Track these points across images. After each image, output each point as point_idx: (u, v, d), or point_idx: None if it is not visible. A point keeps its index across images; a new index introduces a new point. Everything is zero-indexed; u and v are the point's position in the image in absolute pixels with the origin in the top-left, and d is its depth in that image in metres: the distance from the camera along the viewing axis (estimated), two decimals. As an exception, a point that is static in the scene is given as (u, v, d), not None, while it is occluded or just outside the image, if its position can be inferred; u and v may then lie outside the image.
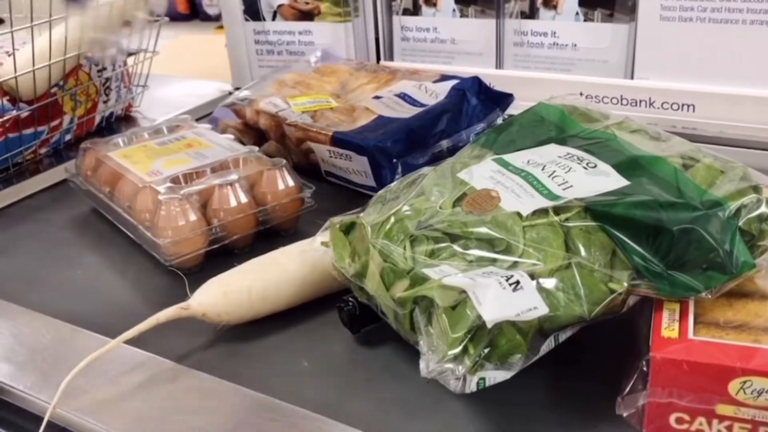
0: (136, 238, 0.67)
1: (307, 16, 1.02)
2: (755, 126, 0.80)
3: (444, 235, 0.47)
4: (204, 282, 0.56)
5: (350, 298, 0.53)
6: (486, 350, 0.41)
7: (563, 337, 0.44)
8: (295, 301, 0.56)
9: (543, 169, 0.49)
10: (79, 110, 0.96)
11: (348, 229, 0.54)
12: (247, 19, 1.05)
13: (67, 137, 0.96)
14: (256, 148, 0.73)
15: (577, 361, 0.49)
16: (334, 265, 0.53)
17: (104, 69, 0.98)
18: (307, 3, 1.01)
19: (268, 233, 0.68)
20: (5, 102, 0.84)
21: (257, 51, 1.06)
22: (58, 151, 0.95)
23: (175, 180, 0.66)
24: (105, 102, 1.01)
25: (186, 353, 0.54)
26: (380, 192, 0.56)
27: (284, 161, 0.68)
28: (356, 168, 0.73)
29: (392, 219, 0.50)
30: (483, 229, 0.46)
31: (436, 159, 0.74)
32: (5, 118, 0.84)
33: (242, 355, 0.53)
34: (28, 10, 0.79)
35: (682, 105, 0.82)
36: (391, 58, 1.02)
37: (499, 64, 0.94)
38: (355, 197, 0.75)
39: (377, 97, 0.79)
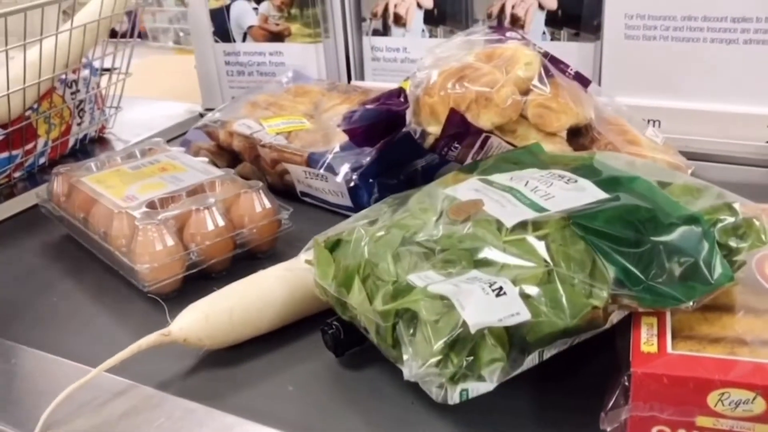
0: (112, 264, 0.66)
1: (278, 37, 1.02)
2: (719, 141, 0.82)
3: (427, 251, 0.48)
4: (183, 307, 0.56)
5: (334, 321, 0.53)
6: (468, 359, 0.42)
7: (548, 354, 0.45)
8: (277, 323, 0.56)
9: (526, 185, 0.50)
10: (53, 133, 0.95)
11: (332, 246, 0.54)
12: (216, 41, 1.05)
13: (42, 160, 0.95)
14: (232, 171, 0.73)
15: (562, 377, 0.50)
16: (317, 283, 0.53)
17: (77, 91, 0.97)
18: (278, 24, 1.01)
19: (246, 256, 0.68)
20: None
21: (227, 72, 1.07)
22: (32, 174, 0.94)
23: (151, 205, 0.66)
24: (79, 124, 1.00)
25: (168, 379, 0.53)
26: (364, 211, 0.57)
27: (261, 183, 0.69)
28: (332, 189, 0.74)
29: (378, 235, 0.50)
30: (465, 243, 0.46)
31: (410, 178, 0.75)
32: None
33: (225, 380, 0.53)
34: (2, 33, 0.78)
35: (648, 120, 0.85)
36: (362, 77, 1.03)
37: None
38: (332, 218, 0.76)
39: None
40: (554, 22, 0.89)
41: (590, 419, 0.42)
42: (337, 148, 0.72)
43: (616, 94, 0.85)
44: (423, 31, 0.97)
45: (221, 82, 1.08)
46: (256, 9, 1.02)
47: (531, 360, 0.45)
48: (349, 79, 1.02)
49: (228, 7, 1.03)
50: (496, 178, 0.53)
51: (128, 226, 0.64)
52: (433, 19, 0.96)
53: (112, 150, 1.02)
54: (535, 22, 0.90)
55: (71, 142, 1.00)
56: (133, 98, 1.09)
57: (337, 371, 0.53)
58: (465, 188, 0.52)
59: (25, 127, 0.88)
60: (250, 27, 1.03)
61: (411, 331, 0.46)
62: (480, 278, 0.44)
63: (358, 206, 0.72)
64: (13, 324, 0.62)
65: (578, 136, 0.67)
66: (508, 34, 0.69)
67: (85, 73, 0.99)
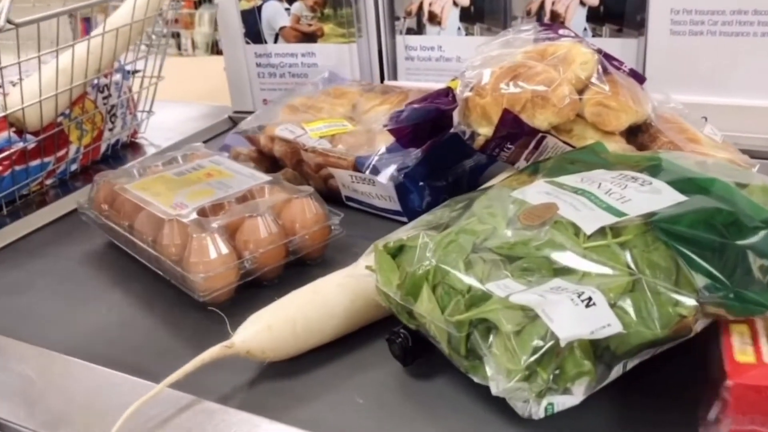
0: (162, 273, 0.65)
1: (310, 38, 1.01)
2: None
3: (501, 258, 0.46)
4: (238, 317, 0.55)
5: (401, 330, 0.52)
6: (555, 373, 0.41)
7: (631, 364, 0.43)
8: (339, 332, 0.55)
9: (599, 187, 0.49)
10: (85, 139, 0.94)
11: (395, 252, 0.52)
12: (248, 42, 1.04)
13: (73, 167, 0.94)
14: (280, 176, 0.71)
15: (648, 388, 0.48)
16: (380, 290, 0.52)
17: (109, 95, 0.96)
18: (310, 24, 1.00)
19: (296, 263, 0.66)
20: (12, 134, 0.82)
21: (259, 74, 1.06)
22: (63, 181, 0.93)
23: (201, 212, 0.65)
24: (111, 129, 0.99)
25: (229, 393, 0.52)
26: (425, 216, 0.55)
27: (311, 189, 0.67)
28: (379, 192, 0.72)
29: (446, 241, 0.49)
30: (543, 251, 0.45)
31: (457, 180, 0.74)
32: (12, 150, 0.81)
33: (289, 392, 0.52)
34: (35, 38, 0.77)
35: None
36: (395, 77, 1.02)
37: None
38: (379, 222, 0.74)
39: (394, 119, 0.78)
40: (596, 18, 0.87)
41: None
42: (382, 150, 0.71)
43: (661, 90, 0.84)
44: (459, 29, 0.96)
45: (252, 84, 1.07)
46: (288, 9, 1.00)
47: (616, 371, 0.43)
48: (382, 79, 1.01)
49: (259, 8, 1.01)
50: (565, 180, 0.52)
51: (179, 235, 0.63)
52: (469, 17, 0.95)
53: (144, 155, 1.01)
54: (576, 18, 0.88)
55: (103, 148, 0.99)
56: (161, 101, 1.08)
57: (405, 381, 0.52)
58: (534, 191, 0.51)
59: (57, 134, 0.87)
60: (282, 28, 1.02)
61: (488, 342, 0.44)
62: (565, 288, 0.42)
63: (407, 210, 0.71)
64: (66, 337, 0.61)
65: (636, 134, 0.65)
66: (560, 31, 0.67)
67: (117, 77, 0.98)
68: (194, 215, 0.64)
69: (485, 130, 0.64)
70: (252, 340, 0.51)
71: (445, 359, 0.50)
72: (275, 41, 1.03)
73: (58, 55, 0.82)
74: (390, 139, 0.74)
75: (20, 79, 0.81)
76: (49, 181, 0.91)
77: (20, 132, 0.83)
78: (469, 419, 0.48)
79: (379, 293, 0.53)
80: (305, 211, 0.66)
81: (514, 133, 0.63)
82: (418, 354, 0.52)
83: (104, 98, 0.96)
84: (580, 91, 0.61)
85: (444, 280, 0.48)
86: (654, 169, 0.51)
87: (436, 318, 0.47)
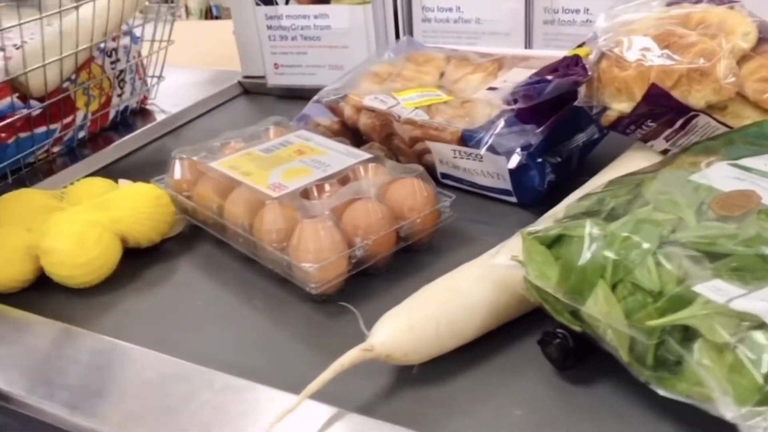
0: (261, 261, 0.59)
1: None
2: None
3: (700, 254, 0.40)
4: (348, 311, 0.51)
5: (559, 330, 0.46)
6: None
7: None
8: (481, 331, 0.49)
9: (799, 172, 0.43)
10: (92, 105, 0.88)
11: (550, 242, 0.46)
12: (258, 4, 0.96)
13: (81, 134, 0.89)
14: (381, 153, 0.65)
15: None
16: (532, 285, 0.46)
17: (117, 60, 0.91)
18: (324, -15, 0.92)
19: (402, 250, 0.60)
20: (15, 99, 0.76)
21: (270, 36, 0.98)
22: (71, 149, 0.88)
23: (304, 194, 0.58)
24: (119, 95, 0.94)
25: (369, 402, 0.46)
26: (574, 202, 0.49)
27: (420, 168, 0.61)
28: (487, 170, 0.66)
29: (624, 232, 0.43)
30: (758, 248, 0.39)
31: (570, 157, 0.68)
32: (16, 116, 0.76)
33: (435, 401, 0.46)
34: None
35: None
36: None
37: (528, 44, 0.88)
38: (481, 202, 0.68)
39: (493, 89, 0.72)
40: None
41: None
42: (502, 125, 0.64)
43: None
44: (480, -12, 0.88)
45: (263, 48, 0.99)
46: (300, -31, 0.93)
47: None
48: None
49: (271, -32, 0.94)
50: (752, 163, 0.46)
51: (283, 219, 0.56)
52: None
53: (154, 122, 0.96)
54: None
55: (111, 114, 0.94)
56: (167, 66, 1.02)
57: (562, 388, 0.46)
58: (720, 176, 0.45)
59: (63, 100, 0.82)
60: None
61: (690, 351, 0.38)
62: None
63: (522, 189, 0.65)
64: (153, 331, 0.55)
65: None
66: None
67: (125, 41, 0.93)
68: (298, 197, 0.58)
69: (623, 106, 0.58)
70: (393, 342, 0.46)
71: (602, 363, 0.45)
72: (287, 3, 0.95)
73: (62, 18, 0.76)
74: (491, 111, 0.68)
75: (24, 42, 0.75)
76: (56, 149, 0.86)
77: (24, 98, 0.77)
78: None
79: (529, 288, 0.47)
80: (415, 192, 0.60)
81: (660, 110, 0.56)
82: (580, 357, 0.46)
83: (112, 63, 0.91)
84: (740, 65, 0.55)
85: (626, 278, 0.41)
86: None
87: (616, 321, 0.41)
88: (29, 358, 0.53)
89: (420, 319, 0.47)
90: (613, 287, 0.42)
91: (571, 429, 0.43)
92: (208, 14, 2.82)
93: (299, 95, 0.98)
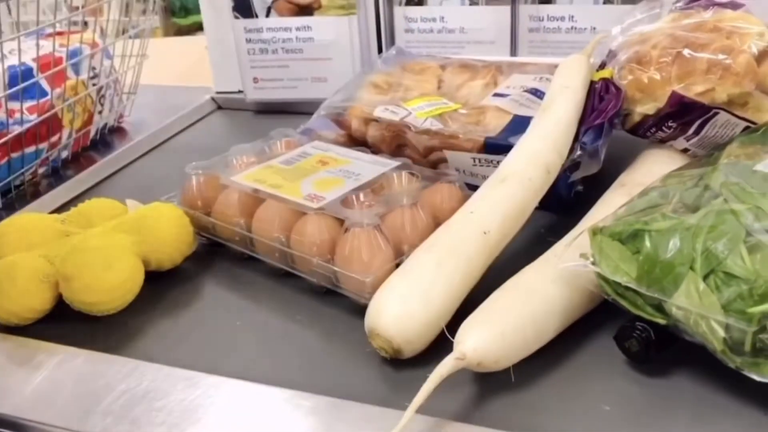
0: (301, 273, 0.57)
1: (306, 10, 0.92)
2: None
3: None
4: None
5: (638, 323, 0.46)
6: None
7: None
8: (558, 331, 0.49)
9: None
10: (76, 123, 0.85)
11: (623, 238, 0.47)
12: (236, 17, 0.94)
13: (65, 154, 0.85)
14: (408, 161, 0.64)
15: None
16: (606, 280, 0.47)
17: (97, 76, 0.88)
18: (307, -4, 0.92)
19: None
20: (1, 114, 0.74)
21: (249, 50, 0.96)
22: (55, 170, 0.85)
23: (345, 203, 0.57)
24: (100, 113, 0.91)
25: (461, 409, 0.45)
26: (642, 200, 0.50)
27: (455, 174, 0.60)
28: (508, 176, 0.66)
29: (708, 223, 0.44)
30: None
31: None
32: (10, 135, 0.73)
33: (523, 404, 0.45)
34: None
35: None
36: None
37: (513, 51, 0.90)
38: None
39: (500, 95, 0.72)
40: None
41: None
42: (506, 131, 0.64)
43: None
44: (463, -1, 0.90)
45: (241, 62, 0.96)
46: (282, -20, 0.92)
47: None
48: (380, 52, 0.93)
49: (250, -20, 0.92)
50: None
51: (327, 230, 0.55)
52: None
53: (131, 141, 0.91)
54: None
55: (92, 133, 0.91)
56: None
57: (644, 381, 0.46)
58: (783, 166, 0.46)
59: (51, 118, 0.79)
60: (275, 0, 0.93)
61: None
62: None
63: (549, 198, 0.65)
64: (221, 356, 0.52)
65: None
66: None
67: (105, 59, 0.90)
68: (341, 207, 0.56)
69: (646, 108, 0.59)
70: (484, 350, 0.44)
71: (677, 355, 0.46)
72: (267, 15, 0.93)
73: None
74: (506, 118, 0.68)
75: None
76: (41, 170, 0.82)
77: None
78: (742, 421, 0.43)
79: (603, 284, 0.47)
80: (452, 199, 0.59)
81: (681, 110, 0.58)
82: (660, 349, 0.47)
83: (91, 79, 0.87)
84: (758, 62, 0.57)
85: (718, 269, 0.42)
86: None
87: (712, 311, 0.42)
88: (75, 388, 0.49)
89: (507, 325, 0.46)
90: (704, 278, 0.43)
91: (665, 420, 0.44)
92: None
93: (277, 109, 0.96)
